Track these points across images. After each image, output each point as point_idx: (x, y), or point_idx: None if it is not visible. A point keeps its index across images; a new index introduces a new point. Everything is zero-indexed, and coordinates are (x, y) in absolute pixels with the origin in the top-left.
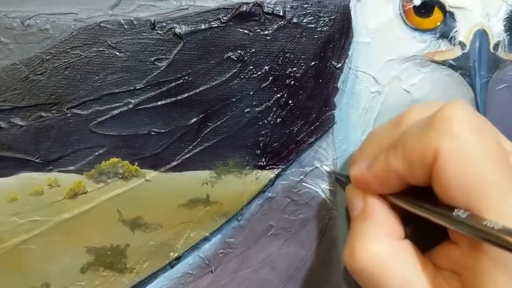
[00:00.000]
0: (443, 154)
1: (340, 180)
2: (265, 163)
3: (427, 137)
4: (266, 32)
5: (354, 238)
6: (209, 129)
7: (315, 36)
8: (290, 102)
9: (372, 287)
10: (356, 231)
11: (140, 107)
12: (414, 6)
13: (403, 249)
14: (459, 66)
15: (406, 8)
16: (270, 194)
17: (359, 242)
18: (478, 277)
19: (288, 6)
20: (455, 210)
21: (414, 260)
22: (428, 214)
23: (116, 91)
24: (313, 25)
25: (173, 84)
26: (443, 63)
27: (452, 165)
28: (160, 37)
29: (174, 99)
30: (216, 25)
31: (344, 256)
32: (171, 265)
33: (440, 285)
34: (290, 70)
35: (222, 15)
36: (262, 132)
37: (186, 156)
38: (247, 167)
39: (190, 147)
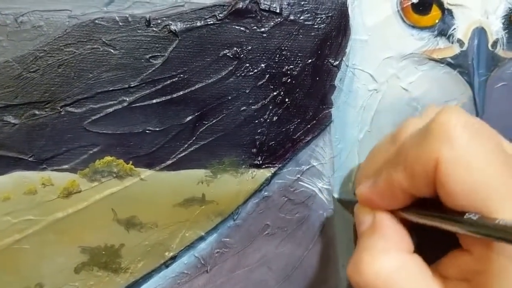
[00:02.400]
0: (444, 161)
1: (347, 205)
2: (261, 161)
3: (426, 146)
4: (263, 29)
5: (361, 251)
6: (204, 127)
7: (312, 34)
8: (286, 100)
9: None
10: (363, 245)
11: (135, 105)
12: (412, 4)
13: (412, 263)
14: (458, 64)
15: (404, 6)
16: (266, 193)
17: (365, 255)
18: (492, 278)
19: (285, 3)
20: (466, 214)
21: (423, 274)
22: (439, 223)
23: (111, 89)
24: (310, 23)
25: (168, 82)
26: (441, 61)
27: (454, 172)
28: (155, 34)
29: (169, 97)
30: (212, 22)
31: (348, 269)
32: (166, 265)
33: None
34: (286, 68)
35: (218, 12)
36: (258, 131)
37: (182, 154)
38: (243, 166)
39: (186, 146)
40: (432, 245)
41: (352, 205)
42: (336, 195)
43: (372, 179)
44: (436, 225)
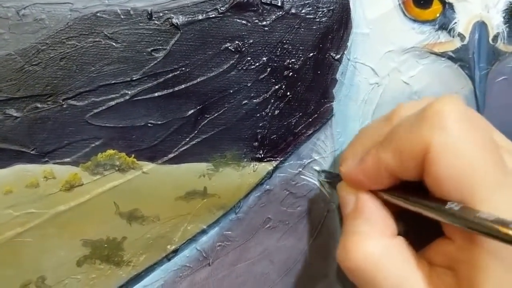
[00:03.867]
0: (434, 147)
1: (330, 179)
2: (263, 155)
3: (418, 130)
4: (264, 22)
5: (347, 236)
6: (206, 121)
7: (314, 27)
8: (288, 93)
9: (366, 285)
10: (349, 229)
11: (136, 98)
12: None
13: (397, 247)
14: (458, 58)
15: None
16: (268, 187)
17: (352, 240)
18: (473, 271)
19: None
20: (448, 203)
21: (408, 258)
22: (421, 209)
23: (113, 82)
24: (311, 16)
25: (170, 75)
26: (442, 54)
27: (444, 158)
28: (157, 28)
29: (171, 90)
30: (213, 15)
31: (338, 254)
32: (168, 258)
33: (434, 282)
34: (288, 61)
35: (220, 5)
36: (260, 124)
37: (183, 148)
38: (245, 160)
39: (188, 139)
40: (419, 231)
41: (336, 180)
42: (318, 168)
43: (358, 157)
44: (418, 211)
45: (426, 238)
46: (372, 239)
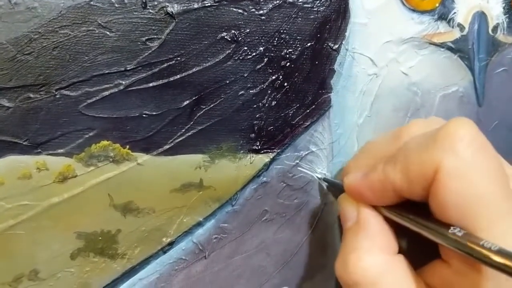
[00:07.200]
0: (444, 171)
1: (332, 188)
2: (259, 147)
3: (429, 152)
4: (261, 11)
5: (347, 250)
6: (202, 112)
7: (311, 17)
8: (285, 84)
9: None
10: (350, 243)
11: (131, 88)
12: None
13: (397, 265)
14: (458, 48)
15: None
16: (264, 179)
17: (352, 255)
18: None
19: None
20: (451, 228)
21: (407, 277)
22: (422, 230)
23: (107, 72)
24: (309, 5)
25: (165, 65)
26: (441, 45)
27: (452, 182)
28: (152, 17)
29: (166, 80)
30: (209, 4)
31: (336, 268)
32: (164, 250)
33: None
34: (285, 51)
35: None
36: (257, 115)
37: (179, 139)
38: (241, 151)
39: (183, 130)
40: (418, 250)
41: (337, 190)
42: (320, 176)
43: (363, 171)
44: (419, 231)
45: (424, 258)
46: (372, 255)
